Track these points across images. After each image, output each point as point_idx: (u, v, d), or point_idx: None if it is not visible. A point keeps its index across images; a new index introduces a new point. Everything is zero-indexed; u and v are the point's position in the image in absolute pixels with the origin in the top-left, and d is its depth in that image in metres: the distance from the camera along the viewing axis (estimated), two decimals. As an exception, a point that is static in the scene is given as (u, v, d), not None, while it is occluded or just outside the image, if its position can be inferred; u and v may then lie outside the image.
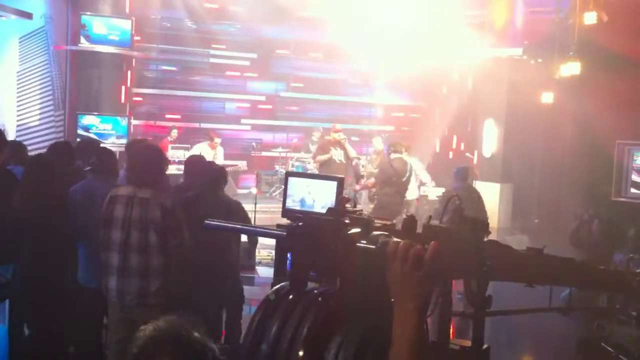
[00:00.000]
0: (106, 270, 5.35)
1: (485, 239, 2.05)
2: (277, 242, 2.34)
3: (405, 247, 1.72)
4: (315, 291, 2.19)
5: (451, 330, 2.17)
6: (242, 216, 6.68)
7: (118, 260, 5.26)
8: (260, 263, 10.37)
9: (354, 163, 12.68)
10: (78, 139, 12.72)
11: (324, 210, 2.28)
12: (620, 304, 7.02)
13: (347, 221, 2.13)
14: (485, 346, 2.09)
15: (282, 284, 2.23)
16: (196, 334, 1.84)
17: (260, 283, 8.94)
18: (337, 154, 12.78)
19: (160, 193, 5.38)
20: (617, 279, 2.57)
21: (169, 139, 15.36)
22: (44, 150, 7.63)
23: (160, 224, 5.22)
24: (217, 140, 14.27)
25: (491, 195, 14.68)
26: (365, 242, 1.95)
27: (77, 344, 6.03)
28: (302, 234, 2.18)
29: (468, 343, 2.09)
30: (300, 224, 2.22)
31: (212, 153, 13.54)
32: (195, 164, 7.05)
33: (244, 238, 7.40)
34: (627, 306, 7.00)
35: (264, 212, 12.52)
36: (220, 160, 13.55)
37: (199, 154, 12.93)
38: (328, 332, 1.91)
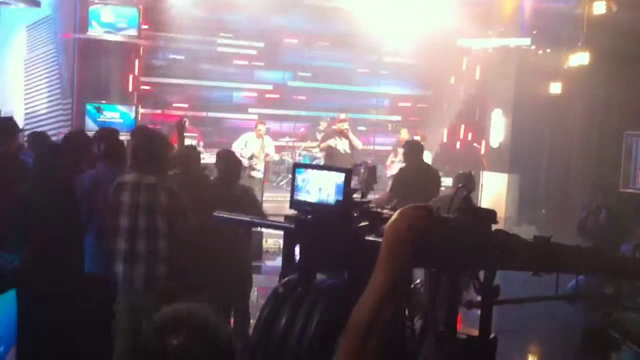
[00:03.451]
0: (113, 257, 5.39)
1: (493, 229, 2.05)
2: (285, 233, 2.35)
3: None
4: (324, 284, 2.19)
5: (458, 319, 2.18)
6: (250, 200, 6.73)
7: (125, 247, 5.30)
8: (267, 252, 10.39)
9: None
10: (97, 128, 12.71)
11: (332, 202, 2.29)
12: (626, 291, 7.06)
13: (355, 214, 2.13)
14: (492, 335, 2.10)
15: (291, 276, 2.24)
16: (212, 317, 1.88)
17: (267, 272, 8.95)
18: (341, 144, 12.77)
19: (165, 178, 5.42)
20: (623, 265, 2.58)
21: None
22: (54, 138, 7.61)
23: (167, 208, 5.27)
24: (261, 127, 13.42)
25: (498, 186, 14.67)
26: (373, 235, 1.96)
27: (85, 334, 6.05)
28: (310, 226, 2.19)
29: (475, 332, 2.10)
30: (309, 216, 2.22)
31: (258, 142, 13.16)
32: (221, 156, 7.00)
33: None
34: (632, 293, 7.04)
35: (271, 201, 12.53)
36: (268, 150, 13.19)
37: (244, 144, 12.97)
38: (337, 325, 1.92)
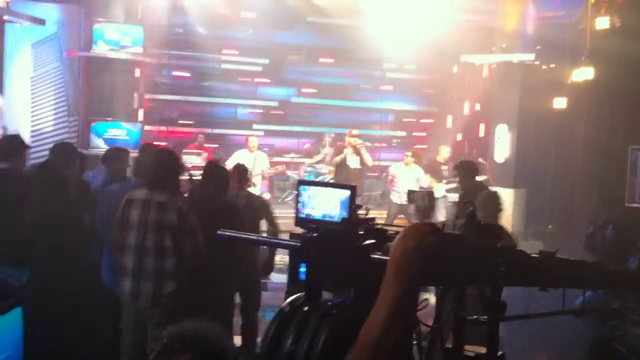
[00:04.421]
0: (120, 272, 5.39)
1: (499, 245, 2.05)
2: (290, 252, 2.34)
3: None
4: (330, 303, 2.18)
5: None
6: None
7: (133, 263, 5.30)
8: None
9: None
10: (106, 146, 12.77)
11: (337, 219, 2.28)
12: (634, 304, 7.02)
13: (361, 232, 2.13)
14: (500, 353, 2.09)
15: (297, 295, 2.23)
16: (218, 335, 1.88)
17: (273, 288, 8.93)
18: (352, 160, 12.87)
19: (175, 196, 5.42)
20: (628, 278, 2.58)
21: (197, 144, 15.44)
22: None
23: (176, 227, 5.27)
24: (252, 140, 13.59)
25: (504, 201, 14.63)
26: (380, 253, 1.95)
27: (91, 350, 6.05)
28: (316, 245, 2.18)
29: (483, 350, 2.09)
30: (315, 234, 2.21)
31: (251, 157, 13.21)
32: (207, 169, 7.06)
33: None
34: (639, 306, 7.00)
35: (277, 217, 12.49)
36: (260, 166, 13.26)
37: (236, 161, 12.99)
38: (344, 345, 1.91)
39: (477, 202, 7.01)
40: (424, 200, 7.64)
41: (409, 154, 13.60)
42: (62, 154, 6.73)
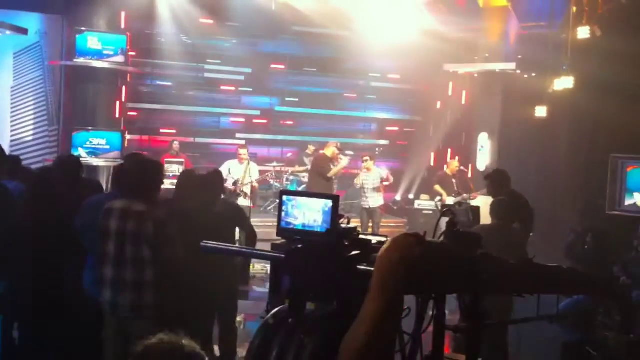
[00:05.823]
0: (101, 282, 5.35)
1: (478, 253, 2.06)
2: (272, 263, 2.33)
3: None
4: (315, 315, 2.17)
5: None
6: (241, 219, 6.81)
7: (112, 274, 5.25)
8: (254, 277, 10.34)
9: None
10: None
11: (319, 229, 2.28)
12: (605, 309, 7.10)
13: (346, 243, 2.12)
14: (479, 360, 2.09)
15: (281, 307, 2.22)
16: (192, 348, 1.87)
17: (254, 297, 8.90)
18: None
19: (154, 206, 5.38)
20: (601, 284, 2.61)
21: (172, 152, 15.36)
22: (39, 165, 7.53)
23: (154, 237, 5.22)
24: (243, 151, 13.49)
25: (485, 209, 14.67)
26: (365, 264, 1.95)
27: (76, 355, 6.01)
28: (300, 256, 2.17)
29: (462, 358, 2.10)
30: (299, 246, 2.20)
31: (241, 168, 13.15)
32: (186, 177, 7.03)
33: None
34: (611, 311, 7.08)
35: (258, 226, 12.46)
36: (253, 176, 13.20)
37: (227, 170, 12.94)
38: (329, 357, 1.92)
39: (492, 209, 6.90)
40: (468, 216, 7.34)
41: (367, 159, 13.81)
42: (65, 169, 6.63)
